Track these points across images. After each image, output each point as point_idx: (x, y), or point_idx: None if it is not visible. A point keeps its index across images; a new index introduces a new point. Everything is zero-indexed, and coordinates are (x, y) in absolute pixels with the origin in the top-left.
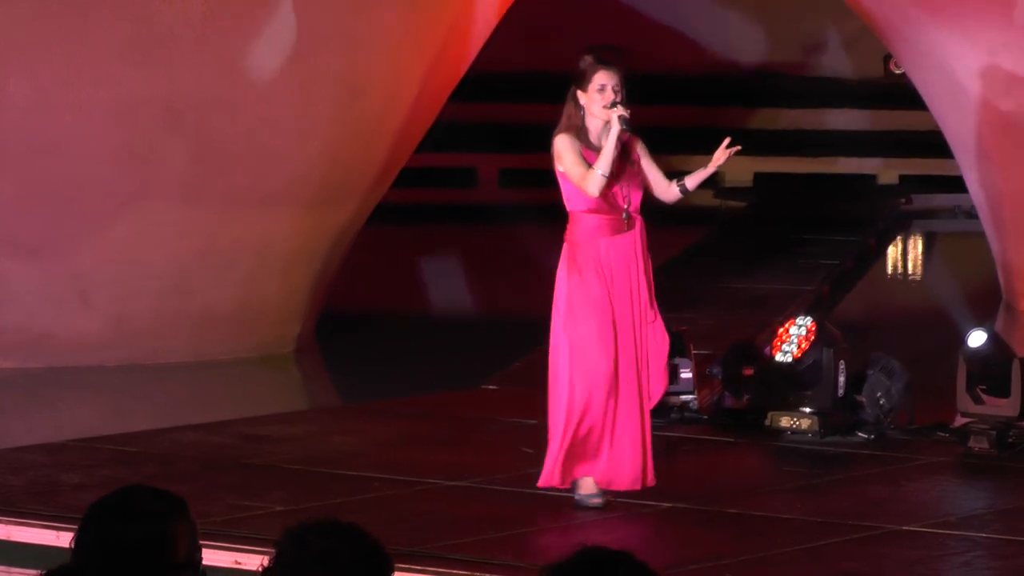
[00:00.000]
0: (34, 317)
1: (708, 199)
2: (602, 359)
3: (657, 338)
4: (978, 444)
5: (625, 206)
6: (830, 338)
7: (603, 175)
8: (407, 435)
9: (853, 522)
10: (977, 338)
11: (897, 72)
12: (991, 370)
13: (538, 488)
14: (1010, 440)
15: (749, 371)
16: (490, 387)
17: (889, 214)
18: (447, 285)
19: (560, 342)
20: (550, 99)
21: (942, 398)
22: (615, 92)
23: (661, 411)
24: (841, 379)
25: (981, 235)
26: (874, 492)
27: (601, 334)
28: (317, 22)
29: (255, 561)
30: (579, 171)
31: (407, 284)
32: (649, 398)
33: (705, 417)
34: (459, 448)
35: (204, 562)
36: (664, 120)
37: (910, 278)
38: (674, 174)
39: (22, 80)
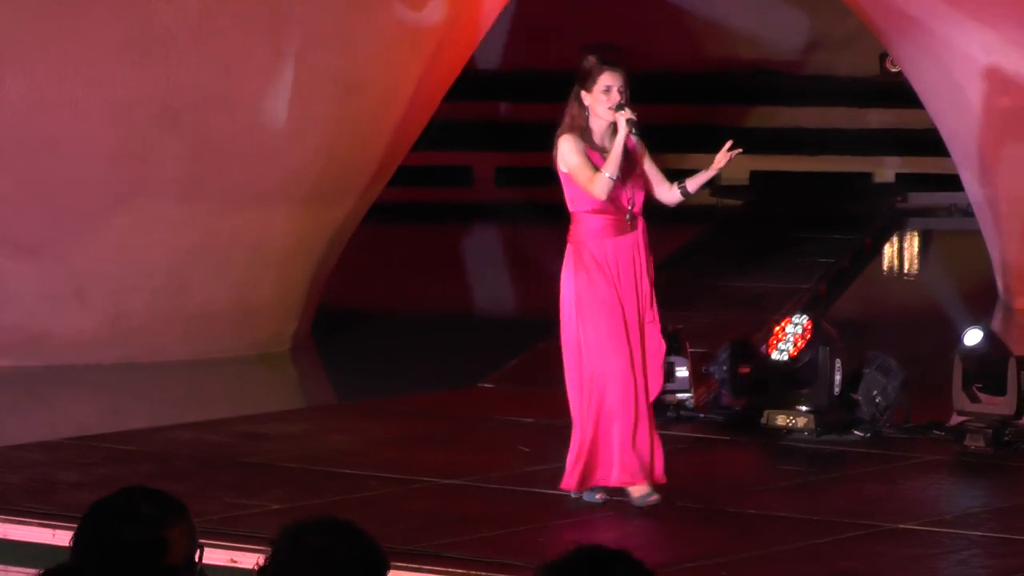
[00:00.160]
0: (31, 315)
1: (705, 197)
2: (616, 359)
3: (654, 338)
4: (974, 442)
5: (629, 207)
6: (826, 336)
7: (611, 178)
8: (404, 433)
9: (849, 520)
10: (973, 336)
11: (893, 71)
12: (987, 368)
13: (559, 490)
14: (1006, 438)
15: (745, 369)
16: (486, 386)
17: (885, 212)
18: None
19: (572, 344)
20: (546, 98)
21: (938, 396)
22: (620, 93)
23: (657, 410)
24: (837, 377)
25: (977, 233)
26: (870, 490)
27: (614, 334)
28: (314, 21)
29: (252, 559)
30: (586, 174)
31: (404, 282)
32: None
33: (701, 416)
34: (455, 447)
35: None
36: (662, 118)
37: (906, 276)
38: (671, 172)
39: (19, 78)
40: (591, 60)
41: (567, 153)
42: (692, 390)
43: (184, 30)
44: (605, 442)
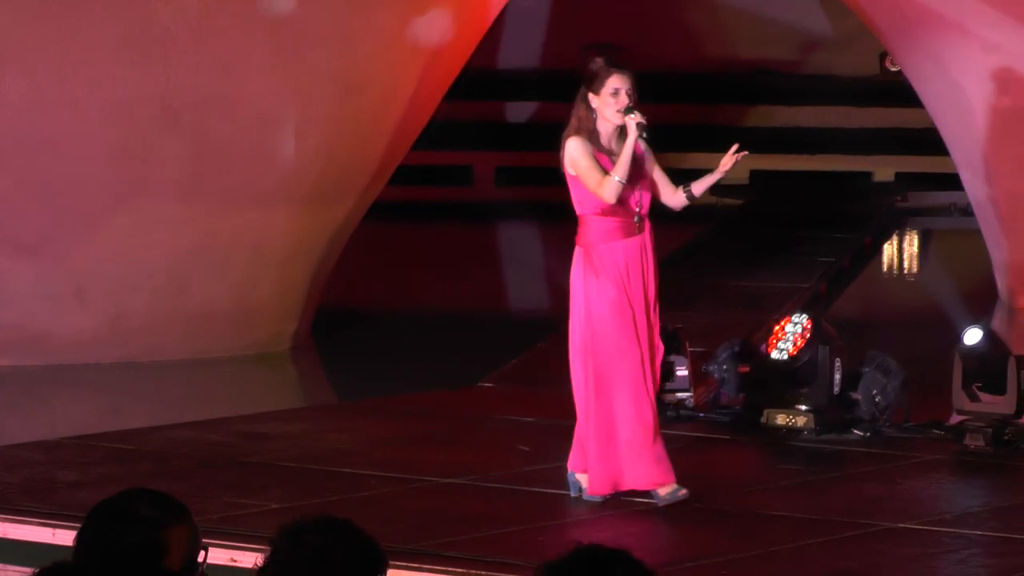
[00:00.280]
0: (30, 315)
1: (705, 197)
2: (628, 362)
3: (655, 340)
4: (974, 442)
5: (637, 209)
6: (826, 336)
7: (620, 181)
8: (403, 433)
9: (849, 520)
10: (973, 335)
11: (893, 70)
12: (987, 367)
13: (590, 496)
14: (1006, 438)
15: (745, 369)
16: (486, 385)
17: (885, 211)
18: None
19: (584, 346)
20: (546, 97)
21: (938, 396)
22: (628, 96)
23: (657, 409)
24: (837, 377)
25: (977, 232)
26: (870, 490)
27: (625, 337)
28: (313, 20)
29: (251, 559)
30: (595, 177)
31: (404, 282)
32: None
33: (701, 415)
34: (455, 446)
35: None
36: (662, 117)
37: (906, 276)
38: (671, 171)
39: (18, 78)
40: (598, 62)
41: (575, 156)
42: (692, 390)
43: (184, 30)
44: (627, 446)
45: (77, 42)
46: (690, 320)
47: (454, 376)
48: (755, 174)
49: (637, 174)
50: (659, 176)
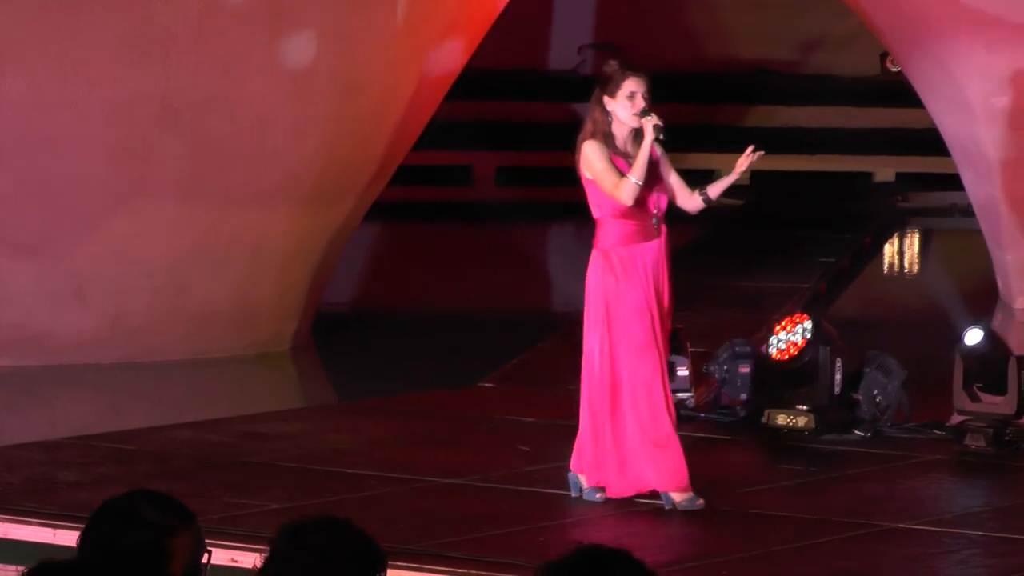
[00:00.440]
0: (30, 315)
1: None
2: (649, 365)
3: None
4: (974, 442)
5: (655, 212)
6: (827, 336)
7: (637, 183)
8: (403, 433)
9: (849, 520)
10: (974, 336)
11: (894, 70)
12: (988, 368)
13: (610, 498)
14: (1006, 438)
15: (745, 369)
16: (486, 385)
17: (886, 211)
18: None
19: (602, 349)
20: (546, 97)
21: (939, 396)
22: (644, 99)
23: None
24: (837, 377)
25: (978, 232)
26: (870, 490)
27: (645, 340)
28: (314, 21)
29: (252, 559)
30: (612, 179)
31: (404, 282)
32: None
33: (701, 415)
34: (455, 446)
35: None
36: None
37: (907, 276)
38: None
39: (18, 78)
40: (613, 65)
41: (592, 158)
42: (692, 390)
43: (184, 30)
44: (643, 449)
45: (77, 42)
46: (690, 320)
47: (454, 376)
48: (755, 175)
49: (653, 177)
50: (675, 179)
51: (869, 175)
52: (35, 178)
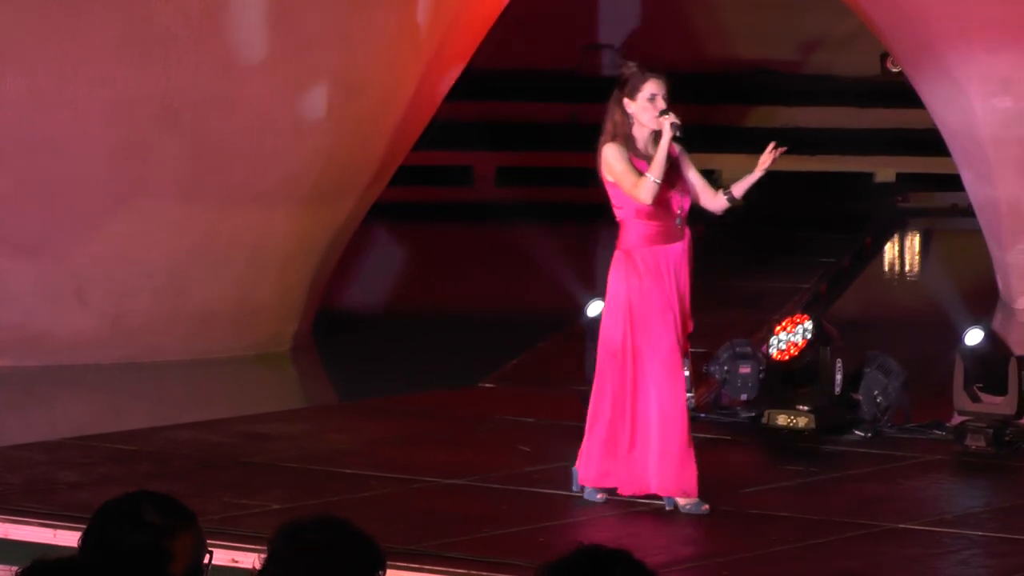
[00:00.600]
0: (30, 315)
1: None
2: (668, 368)
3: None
4: (975, 442)
5: (678, 212)
6: (827, 336)
7: (656, 182)
8: (404, 433)
9: (849, 520)
10: (974, 336)
11: (894, 70)
12: (988, 368)
13: (623, 496)
14: (1007, 438)
15: (746, 369)
16: (487, 385)
17: (886, 212)
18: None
19: (617, 349)
20: (546, 97)
21: (939, 396)
22: (665, 101)
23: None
24: (838, 377)
25: (978, 233)
26: (871, 490)
27: (667, 342)
28: (313, 20)
29: (252, 559)
30: (631, 179)
31: (405, 282)
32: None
33: (702, 415)
34: (456, 446)
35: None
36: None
37: (907, 276)
38: None
39: (18, 78)
40: (632, 67)
41: (612, 161)
42: (692, 390)
43: (184, 29)
44: (659, 451)
45: (77, 42)
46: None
47: (454, 376)
48: None
49: (675, 176)
50: (697, 179)
51: (869, 175)
52: (35, 178)
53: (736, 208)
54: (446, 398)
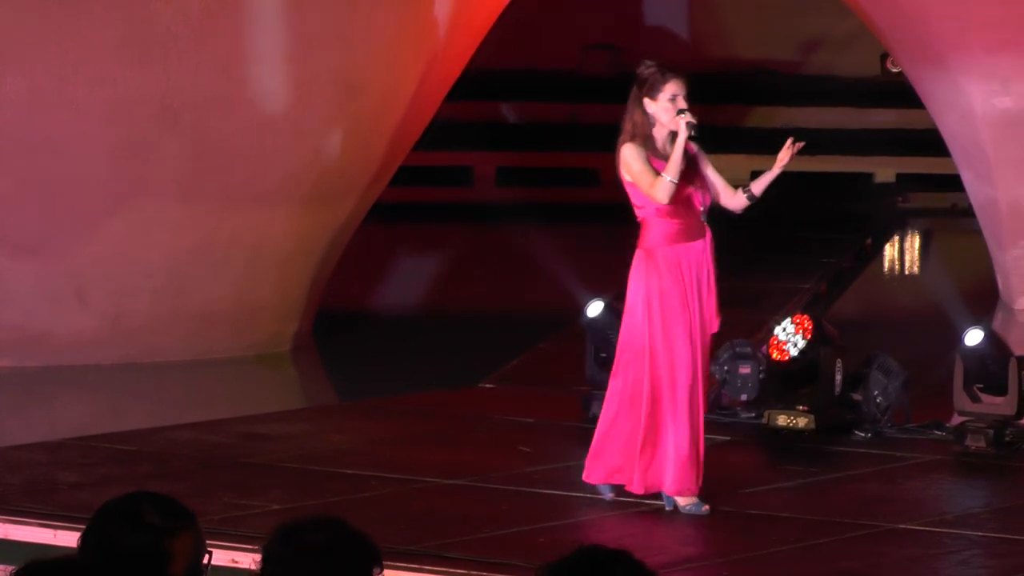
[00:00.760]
0: (30, 315)
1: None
2: (685, 370)
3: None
4: (975, 443)
5: (701, 208)
6: (827, 337)
7: (672, 181)
8: (404, 434)
9: (850, 520)
10: (974, 336)
11: (894, 71)
12: (988, 368)
13: (635, 495)
14: (1007, 439)
15: (746, 369)
16: (487, 385)
17: (886, 212)
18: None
19: (638, 348)
20: (546, 97)
21: (939, 397)
22: (685, 102)
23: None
24: (838, 377)
25: (978, 233)
26: (871, 490)
27: (683, 344)
28: (313, 20)
29: (251, 559)
30: (648, 179)
31: (404, 282)
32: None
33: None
34: (456, 447)
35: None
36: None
37: (907, 276)
38: None
39: (18, 78)
40: (650, 67)
41: (630, 160)
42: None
43: (184, 30)
44: (666, 448)
45: (77, 42)
46: None
47: (454, 376)
48: (756, 175)
49: (694, 174)
50: (716, 178)
51: (869, 176)
52: (35, 178)
53: (755, 206)
54: (446, 398)
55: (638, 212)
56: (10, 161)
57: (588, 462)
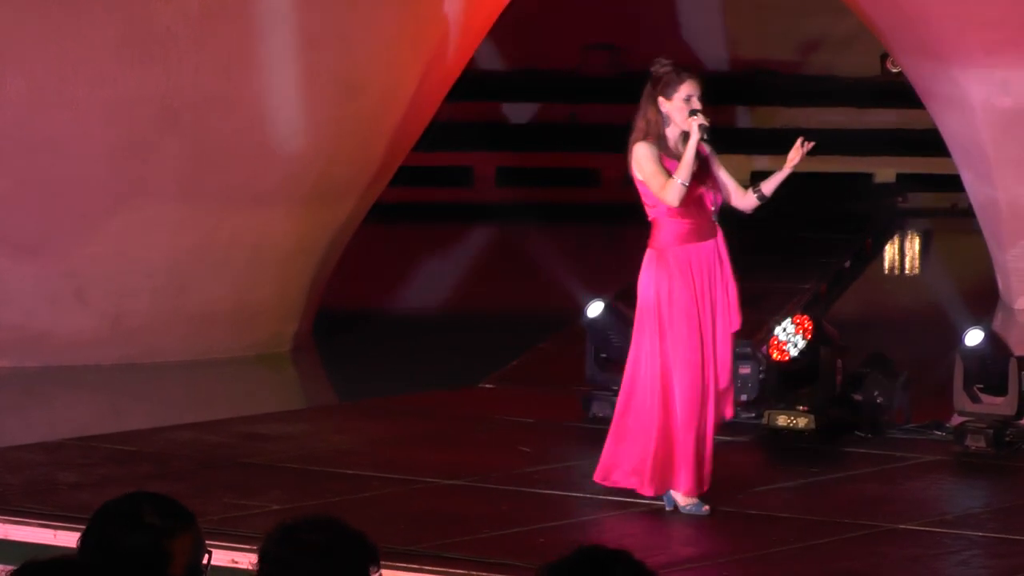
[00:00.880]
0: (30, 315)
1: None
2: (691, 372)
3: (727, 350)
4: (975, 443)
5: (713, 208)
6: (827, 337)
7: (683, 184)
8: (404, 434)
9: (850, 520)
10: (974, 337)
11: (894, 71)
12: (988, 369)
13: (644, 496)
14: (1007, 439)
15: (746, 370)
16: (487, 386)
17: (886, 212)
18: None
19: (648, 350)
20: (545, 97)
21: (939, 397)
22: (700, 102)
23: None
24: (838, 377)
25: (978, 233)
26: (871, 491)
27: (691, 345)
28: (313, 20)
29: (251, 559)
30: (659, 180)
31: (404, 282)
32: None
33: None
34: (456, 447)
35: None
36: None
37: (907, 276)
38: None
39: (18, 78)
40: (665, 66)
41: (642, 160)
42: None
43: (184, 30)
44: (678, 450)
45: (77, 42)
46: None
47: (454, 376)
48: (756, 175)
49: (705, 174)
50: (727, 178)
51: (869, 176)
52: (35, 178)
53: (765, 205)
54: (446, 398)
55: (649, 211)
56: (10, 161)
57: (600, 464)
